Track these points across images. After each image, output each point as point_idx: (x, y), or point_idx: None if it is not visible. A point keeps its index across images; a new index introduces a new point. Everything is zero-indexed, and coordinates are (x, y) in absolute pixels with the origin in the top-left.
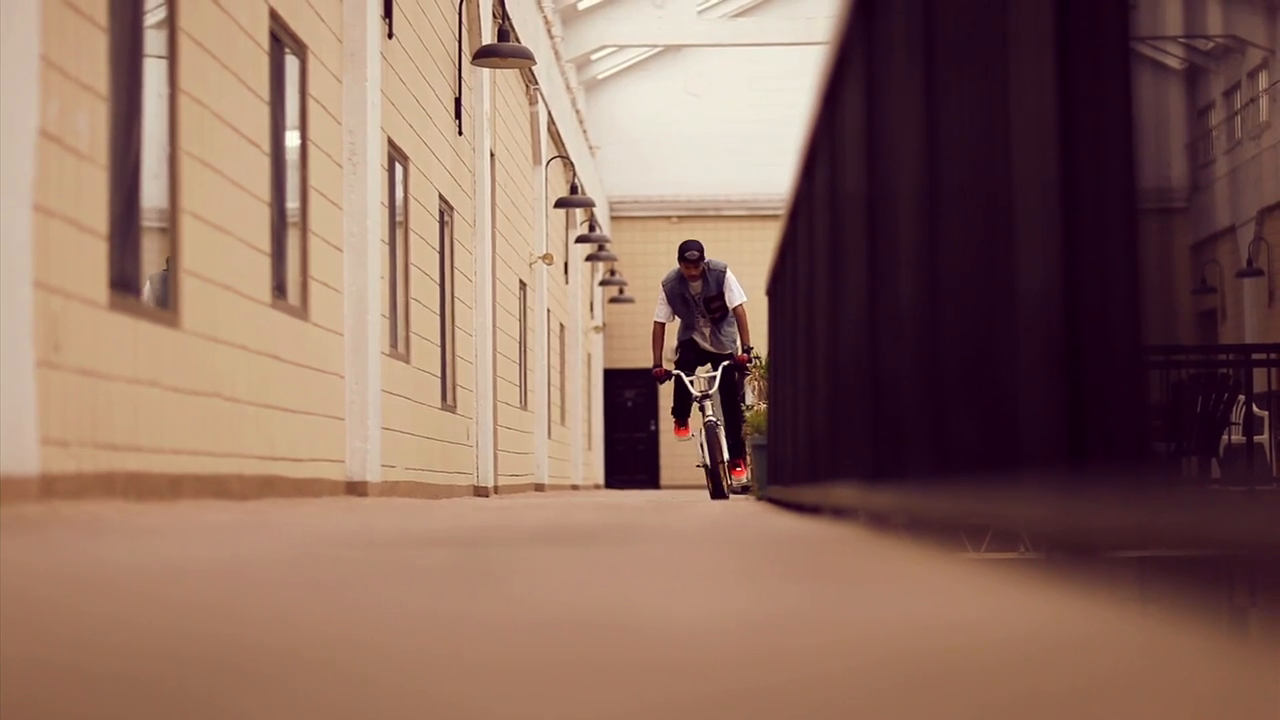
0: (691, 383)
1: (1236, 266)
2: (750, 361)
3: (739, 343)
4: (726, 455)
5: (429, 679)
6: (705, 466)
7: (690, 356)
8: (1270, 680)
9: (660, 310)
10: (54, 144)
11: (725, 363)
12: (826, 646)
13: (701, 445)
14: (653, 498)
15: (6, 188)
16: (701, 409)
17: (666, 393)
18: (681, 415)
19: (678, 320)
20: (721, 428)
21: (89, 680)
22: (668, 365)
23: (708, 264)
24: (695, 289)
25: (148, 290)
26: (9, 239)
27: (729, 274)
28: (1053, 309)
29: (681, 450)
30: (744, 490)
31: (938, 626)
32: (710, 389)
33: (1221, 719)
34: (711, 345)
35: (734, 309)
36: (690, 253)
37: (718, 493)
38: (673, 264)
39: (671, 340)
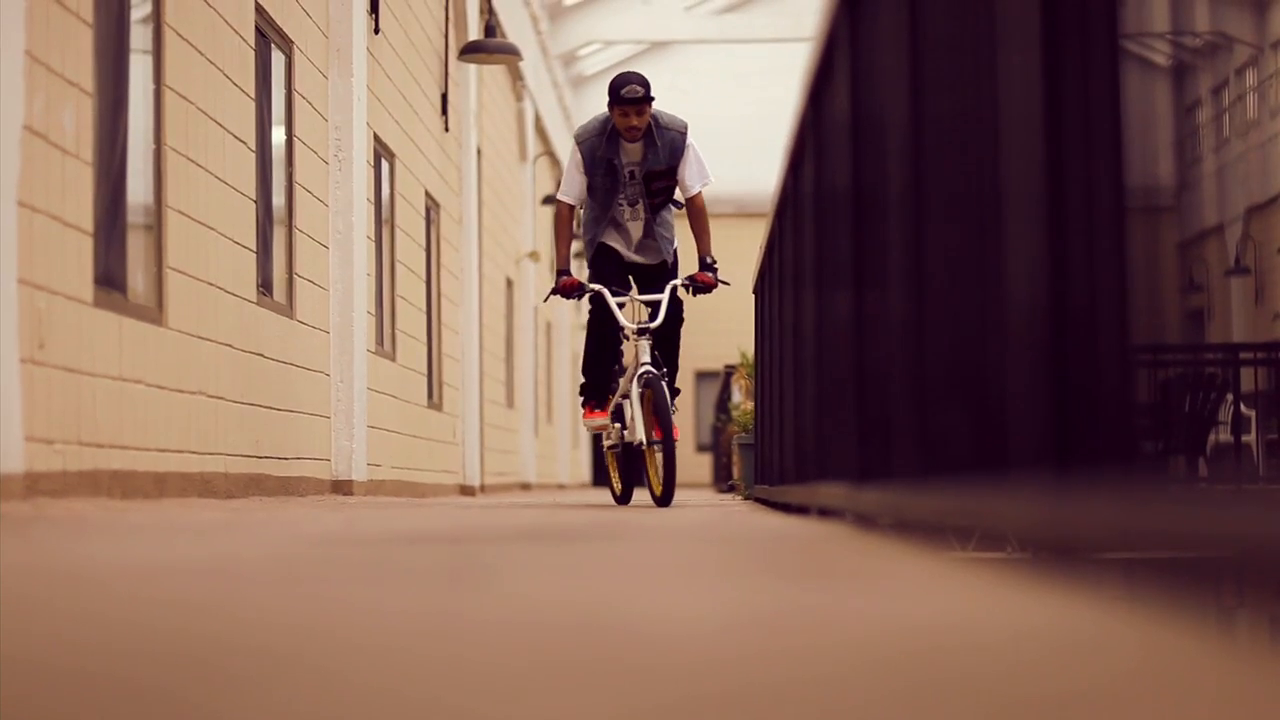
0: (620, 307)
1: (1224, 265)
2: (715, 283)
3: (698, 251)
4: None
5: (415, 677)
6: (620, 446)
7: (607, 270)
8: (1264, 679)
9: (571, 181)
10: (39, 140)
11: (675, 283)
12: (814, 645)
13: (628, 413)
14: (640, 497)
15: None
16: (621, 350)
17: None
18: (599, 378)
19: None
20: (666, 383)
21: (74, 679)
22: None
23: (656, 117)
24: (632, 154)
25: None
26: None
27: (691, 140)
28: (1040, 307)
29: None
30: (732, 489)
31: (924, 625)
32: (653, 321)
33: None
34: (639, 254)
35: (691, 198)
36: (631, 89)
37: (629, 492)
38: None
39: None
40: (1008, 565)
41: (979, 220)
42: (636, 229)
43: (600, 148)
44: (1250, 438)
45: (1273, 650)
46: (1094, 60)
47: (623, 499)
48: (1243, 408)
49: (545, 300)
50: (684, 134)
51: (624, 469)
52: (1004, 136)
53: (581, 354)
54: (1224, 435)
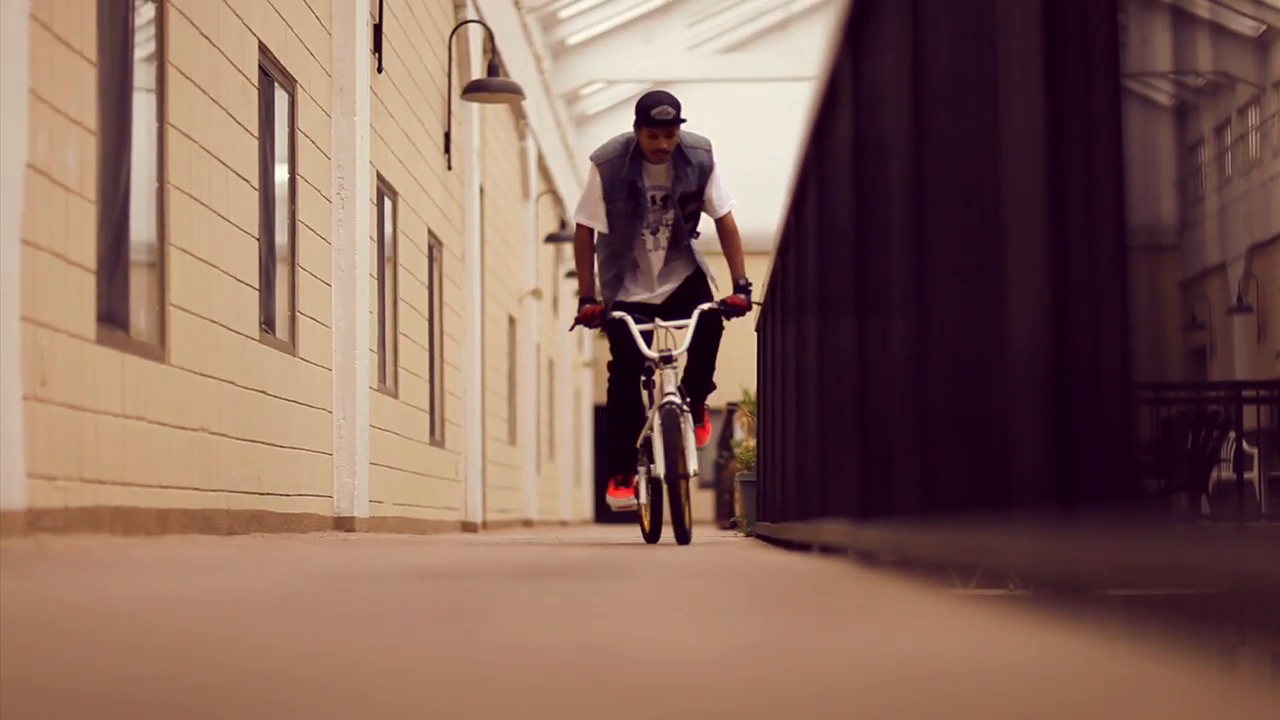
0: (645, 336)
1: (1226, 303)
2: (749, 306)
3: (726, 275)
4: (693, 466)
5: (420, 705)
6: (647, 481)
7: (629, 331)
8: (1261, 714)
9: (590, 205)
10: (42, 178)
11: (704, 307)
12: (808, 671)
13: (650, 447)
14: (668, 534)
15: None
16: (648, 380)
17: None
18: (623, 444)
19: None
20: (688, 417)
21: (88, 704)
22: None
23: (681, 136)
24: (656, 176)
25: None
26: None
27: (715, 160)
28: (1043, 344)
29: None
30: (734, 526)
31: (917, 655)
32: (679, 347)
33: None
34: (664, 282)
35: (721, 219)
36: (663, 110)
37: (657, 529)
38: None
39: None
40: (1009, 602)
41: (981, 258)
42: (658, 260)
43: (623, 169)
44: (1253, 475)
45: (1274, 687)
46: (1097, 99)
47: (651, 536)
48: (1245, 445)
49: (571, 329)
50: (710, 151)
51: (653, 506)
52: (1006, 174)
53: (596, 401)
54: (1226, 472)
